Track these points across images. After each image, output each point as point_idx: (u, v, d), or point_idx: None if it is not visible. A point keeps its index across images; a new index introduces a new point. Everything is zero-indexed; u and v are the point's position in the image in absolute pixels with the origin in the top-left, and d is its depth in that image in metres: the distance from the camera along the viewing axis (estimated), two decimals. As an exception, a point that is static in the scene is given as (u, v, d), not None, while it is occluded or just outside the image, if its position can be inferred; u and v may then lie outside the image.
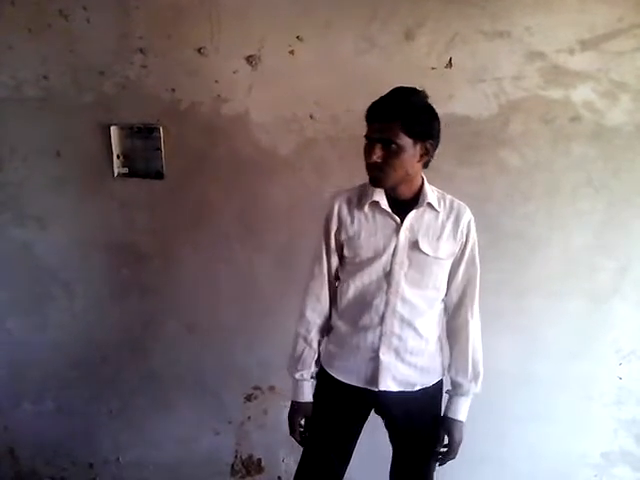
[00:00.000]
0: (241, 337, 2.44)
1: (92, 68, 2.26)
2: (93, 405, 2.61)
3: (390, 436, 1.86)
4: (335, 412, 1.81)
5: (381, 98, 1.57)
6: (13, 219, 2.44)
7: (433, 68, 2.13)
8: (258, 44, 2.17)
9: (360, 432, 1.86)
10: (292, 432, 1.87)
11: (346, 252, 1.72)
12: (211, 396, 2.53)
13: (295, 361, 1.82)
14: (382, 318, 1.69)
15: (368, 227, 1.68)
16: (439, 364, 1.81)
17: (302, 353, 1.81)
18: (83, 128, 2.31)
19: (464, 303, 1.76)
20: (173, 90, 2.24)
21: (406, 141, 1.53)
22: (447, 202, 1.71)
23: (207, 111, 2.25)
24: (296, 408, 1.84)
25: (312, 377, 1.82)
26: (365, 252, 1.68)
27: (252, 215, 2.31)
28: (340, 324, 1.78)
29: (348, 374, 1.77)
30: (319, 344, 1.83)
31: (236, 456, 2.61)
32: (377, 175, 1.59)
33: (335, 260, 1.78)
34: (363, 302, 1.71)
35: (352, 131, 2.16)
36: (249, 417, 2.55)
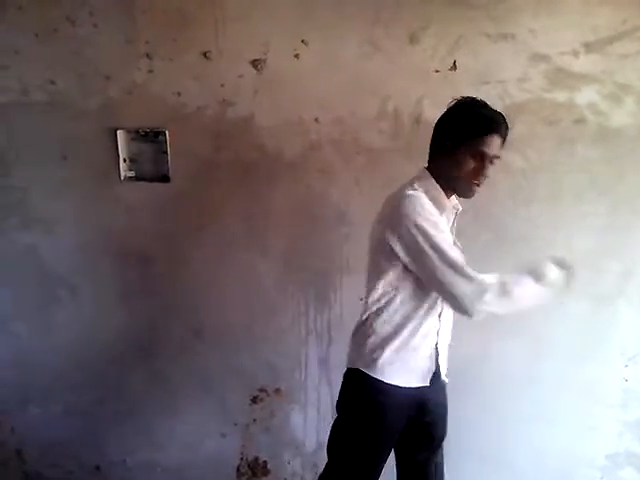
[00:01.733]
0: (247, 340, 2.45)
1: (98, 73, 2.28)
2: (100, 408, 2.62)
3: (432, 429, 1.85)
4: (392, 431, 1.75)
5: (495, 110, 1.66)
6: (20, 223, 2.45)
7: (437, 71, 2.14)
8: (263, 48, 2.18)
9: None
10: None
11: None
12: (217, 398, 2.53)
13: None
14: (440, 314, 1.72)
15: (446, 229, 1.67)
16: None
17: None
18: (89, 132, 2.32)
19: None
20: (179, 94, 2.25)
21: None
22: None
23: (213, 115, 2.26)
24: None
25: None
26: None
27: (257, 218, 2.32)
28: (405, 332, 1.68)
29: (411, 376, 1.70)
30: None
31: (242, 458, 2.61)
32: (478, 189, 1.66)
33: None
34: (430, 306, 1.69)
35: (357, 134, 2.18)
36: (255, 419, 2.55)
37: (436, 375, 1.74)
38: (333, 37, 2.14)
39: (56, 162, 2.37)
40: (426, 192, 1.63)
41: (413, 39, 2.13)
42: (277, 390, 2.50)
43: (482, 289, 1.52)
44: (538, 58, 2.09)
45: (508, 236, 2.21)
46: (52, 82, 2.30)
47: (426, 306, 1.67)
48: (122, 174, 2.33)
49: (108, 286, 2.50)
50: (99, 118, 2.31)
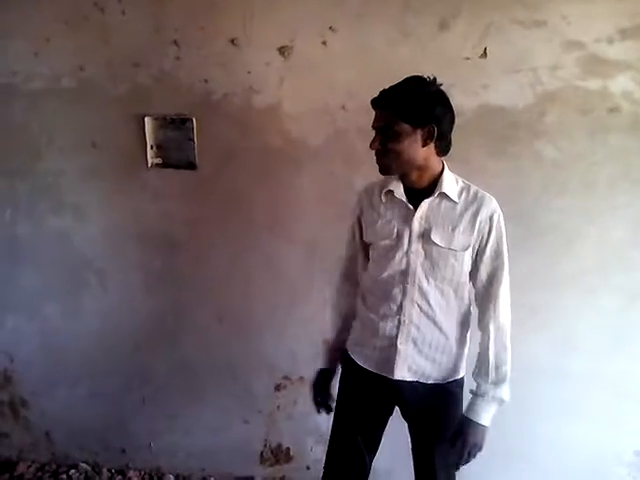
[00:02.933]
0: (271, 327, 2.46)
1: (127, 60, 2.29)
2: (126, 392, 2.66)
3: (408, 428, 1.85)
4: (360, 398, 1.83)
5: (385, 88, 1.61)
6: (51, 208, 2.49)
7: (467, 58, 2.10)
8: (290, 35, 2.17)
9: (387, 420, 1.87)
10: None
11: (365, 237, 1.79)
12: (241, 385, 2.55)
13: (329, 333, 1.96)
14: (400, 307, 1.69)
15: (385, 215, 1.71)
16: (460, 362, 1.77)
17: (331, 322, 1.97)
18: (118, 119, 2.34)
19: (488, 301, 1.70)
20: (206, 81, 2.25)
21: (403, 127, 1.56)
22: (470, 193, 1.67)
23: (239, 102, 2.26)
24: (321, 375, 1.97)
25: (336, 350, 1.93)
26: (380, 238, 1.71)
27: (282, 206, 2.32)
28: (362, 311, 1.82)
29: (366, 360, 1.79)
30: (347, 323, 1.92)
31: (265, 445, 2.63)
32: (381, 162, 1.65)
33: (357, 244, 1.85)
34: (382, 290, 1.72)
35: (384, 122, 2.16)
36: (278, 407, 2.57)
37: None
38: (362, 24, 2.12)
39: (85, 148, 2.39)
40: (385, 179, 1.74)
41: (443, 26, 2.10)
42: (301, 378, 2.50)
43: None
44: (571, 45, 2.05)
45: (539, 228, 2.17)
46: (81, 69, 2.32)
47: (375, 288, 1.76)
48: (149, 161, 2.35)
49: (135, 271, 2.52)
50: (127, 105, 2.32)
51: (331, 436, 1.92)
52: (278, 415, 2.58)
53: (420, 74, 1.60)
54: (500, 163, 2.16)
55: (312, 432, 2.54)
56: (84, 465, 2.73)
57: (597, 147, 2.12)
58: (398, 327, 1.70)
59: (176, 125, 2.30)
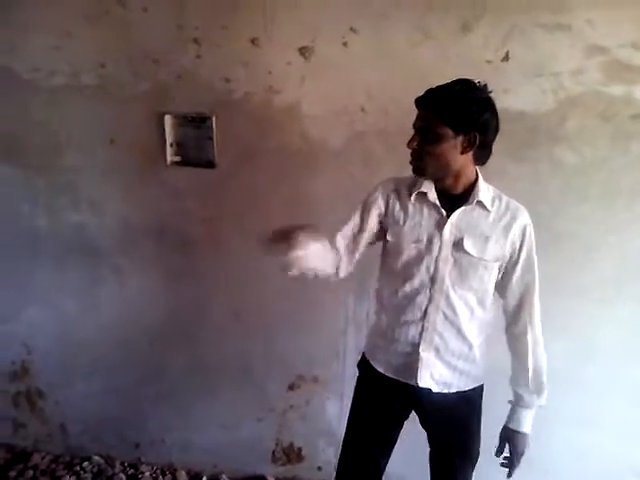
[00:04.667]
0: (286, 327, 2.46)
1: (148, 57, 2.29)
2: (141, 387, 2.68)
3: (428, 434, 1.85)
4: (376, 403, 1.81)
5: (435, 87, 1.57)
6: (69, 202, 2.51)
7: (489, 61, 2.08)
8: (311, 35, 2.16)
9: (401, 427, 1.86)
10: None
11: (389, 237, 1.72)
12: (254, 383, 2.56)
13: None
14: (425, 313, 1.67)
15: (414, 217, 1.67)
16: (480, 370, 1.77)
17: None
18: (138, 116, 2.35)
19: (522, 311, 1.71)
20: (227, 80, 2.25)
21: (445, 130, 1.53)
22: (503, 203, 1.66)
23: (259, 102, 2.25)
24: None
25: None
26: (407, 239, 1.67)
27: (299, 207, 2.31)
28: (383, 316, 1.79)
29: (386, 366, 1.77)
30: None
31: (277, 444, 2.64)
32: (416, 163, 1.61)
33: (366, 232, 1.76)
34: (406, 296, 1.69)
35: (402, 124, 2.14)
36: (291, 406, 2.58)
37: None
38: (383, 25, 2.11)
39: (105, 145, 2.41)
40: (410, 178, 1.70)
41: (465, 28, 2.08)
42: (314, 378, 2.51)
43: None
44: (595, 50, 2.02)
45: (557, 235, 2.15)
46: (102, 65, 2.33)
47: (399, 293, 1.71)
48: (168, 159, 2.36)
49: (151, 267, 2.54)
50: (147, 102, 2.33)
51: (345, 442, 1.90)
52: (291, 414, 2.59)
53: (470, 78, 1.57)
54: (520, 168, 2.14)
55: (324, 433, 2.54)
56: (97, 458, 2.76)
57: (618, 154, 2.10)
58: (421, 334, 1.69)
59: (196, 123, 2.30)
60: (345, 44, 2.15)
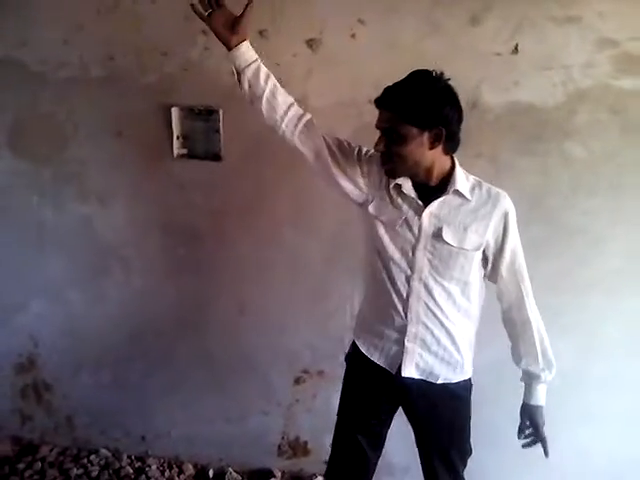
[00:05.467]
0: (292, 321, 2.46)
1: (156, 49, 2.28)
2: (147, 380, 2.68)
3: (412, 426, 1.85)
4: (362, 394, 1.82)
5: (393, 84, 1.56)
6: (76, 195, 2.51)
7: (498, 54, 2.07)
8: (319, 27, 2.15)
9: (391, 417, 1.86)
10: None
11: (372, 209, 1.69)
12: (260, 377, 2.56)
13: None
14: (407, 302, 1.66)
15: (395, 201, 1.66)
16: (467, 362, 1.76)
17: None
18: (145, 108, 2.34)
19: (518, 297, 1.70)
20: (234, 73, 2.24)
21: (409, 130, 1.51)
22: (483, 190, 1.65)
23: (267, 94, 2.24)
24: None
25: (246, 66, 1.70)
26: (389, 216, 1.65)
27: (306, 200, 2.31)
28: (372, 294, 1.79)
29: (374, 351, 1.76)
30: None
31: (283, 437, 2.64)
32: (388, 166, 1.60)
33: (333, 151, 1.72)
34: (389, 277, 1.68)
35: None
36: (297, 400, 2.57)
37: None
38: (391, 17, 2.10)
39: (112, 137, 2.41)
40: None
41: (474, 20, 2.06)
42: (320, 372, 2.51)
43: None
44: (606, 43, 2.01)
45: (566, 229, 2.14)
46: (110, 58, 2.33)
47: (380, 277, 1.70)
48: (175, 151, 2.35)
49: (158, 260, 2.54)
50: (155, 95, 2.32)
51: (334, 434, 1.93)
52: (297, 408, 2.59)
53: (426, 69, 1.55)
54: (529, 162, 2.13)
55: (330, 427, 2.50)
56: (104, 451, 2.77)
57: (628, 147, 2.08)
58: (406, 325, 1.68)
59: (203, 116, 2.30)
60: (353, 36, 2.14)
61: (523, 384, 1.79)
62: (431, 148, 1.55)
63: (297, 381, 2.54)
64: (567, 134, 2.10)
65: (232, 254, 2.46)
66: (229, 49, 1.67)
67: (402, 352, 1.70)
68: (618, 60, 2.02)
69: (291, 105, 1.73)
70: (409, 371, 1.70)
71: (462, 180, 1.62)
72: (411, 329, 1.68)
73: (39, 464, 2.69)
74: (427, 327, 1.68)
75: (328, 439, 2.51)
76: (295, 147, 1.73)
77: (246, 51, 1.68)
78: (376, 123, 1.58)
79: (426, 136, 1.53)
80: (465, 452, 1.82)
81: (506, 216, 1.64)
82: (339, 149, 1.73)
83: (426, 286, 1.64)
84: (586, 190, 2.13)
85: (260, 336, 2.51)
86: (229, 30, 1.66)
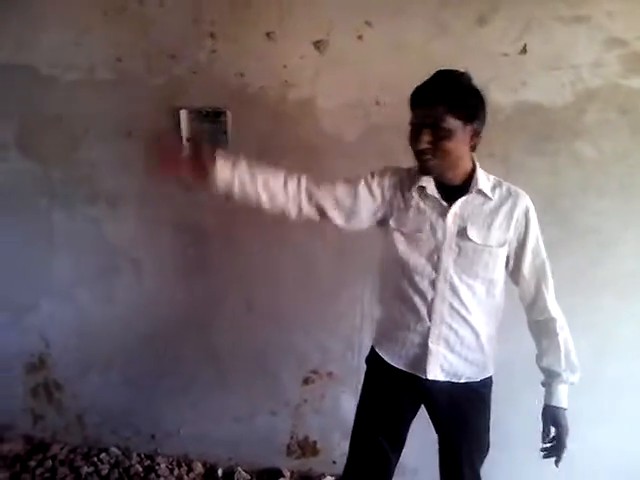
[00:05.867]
0: (301, 321, 2.46)
1: (164, 52, 2.30)
2: (157, 379, 2.70)
3: (434, 426, 1.84)
4: (384, 397, 1.80)
5: (425, 82, 1.56)
6: (86, 196, 2.53)
7: (506, 54, 2.07)
8: (326, 29, 2.15)
9: (412, 418, 1.85)
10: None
11: (393, 224, 1.69)
12: (269, 377, 2.57)
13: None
14: (431, 305, 1.66)
15: (417, 208, 1.66)
16: (489, 360, 1.76)
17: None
18: (153, 111, 2.35)
19: (541, 295, 1.71)
20: (242, 75, 2.26)
21: (455, 124, 1.51)
22: (503, 189, 1.66)
23: (274, 96, 2.25)
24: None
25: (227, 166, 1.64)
26: (411, 228, 1.65)
27: (315, 201, 2.31)
28: (392, 306, 1.77)
29: (396, 357, 1.76)
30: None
31: (292, 437, 2.65)
32: (430, 162, 1.57)
33: (358, 203, 1.69)
34: (412, 285, 1.67)
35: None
36: (306, 400, 2.58)
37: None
38: (398, 18, 2.10)
39: (121, 139, 2.42)
40: (408, 170, 1.70)
41: (482, 21, 2.06)
42: (329, 373, 2.51)
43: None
44: (614, 42, 2.00)
45: (576, 229, 2.13)
46: (119, 60, 2.34)
47: (403, 284, 1.69)
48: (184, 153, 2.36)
49: (167, 260, 2.56)
50: (163, 97, 2.34)
51: (354, 436, 1.90)
52: (305, 408, 2.59)
53: (454, 68, 1.57)
54: (538, 162, 2.12)
55: (339, 427, 2.54)
56: (115, 449, 2.79)
57: (638, 147, 2.07)
58: (429, 327, 1.67)
59: (211, 118, 2.31)
60: (360, 37, 2.14)
61: (544, 388, 1.77)
62: (470, 143, 1.57)
63: (306, 381, 2.55)
64: (577, 134, 2.09)
65: (241, 254, 2.46)
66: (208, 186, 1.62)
67: (426, 355, 1.69)
68: (627, 59, 2.01)
69: (285, 182, 1.70)
70: (434, 374, 1.70)
71: (484, 179, 1.63)
72: (434, 331, 1.67)
73: (50, 462, 2.72)
74: (451, 327, 1.67)
75: (337, 439, 2.53)
76: (312, 215, 1.73)
77: (220, 175, 1.61)
78: (415, 120, 1.57)
79: (468, 130, 1.54)
80: (484, 450, 1.82)
81: (527, 213, 1.65)
82: (343, 190, 1.71)
83: (452, 286, 1.64)
84: (596, 190, 2.12)
85: (269, 336, 2.52)
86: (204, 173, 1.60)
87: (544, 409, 1.76)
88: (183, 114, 2.32)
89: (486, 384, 1.78)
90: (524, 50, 2.05)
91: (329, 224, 1.73)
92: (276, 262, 2.44)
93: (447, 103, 1.50)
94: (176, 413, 2.73)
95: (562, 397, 1.74)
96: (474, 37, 2.07)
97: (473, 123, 1.54)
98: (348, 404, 2.50)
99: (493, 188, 1.65)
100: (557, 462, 1.77)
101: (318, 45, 2.17)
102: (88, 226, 2.56)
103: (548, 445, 1.76)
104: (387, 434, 1.82)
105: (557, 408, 1.73)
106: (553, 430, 1.75)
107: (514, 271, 1.71)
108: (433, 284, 1.65)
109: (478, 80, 2.04)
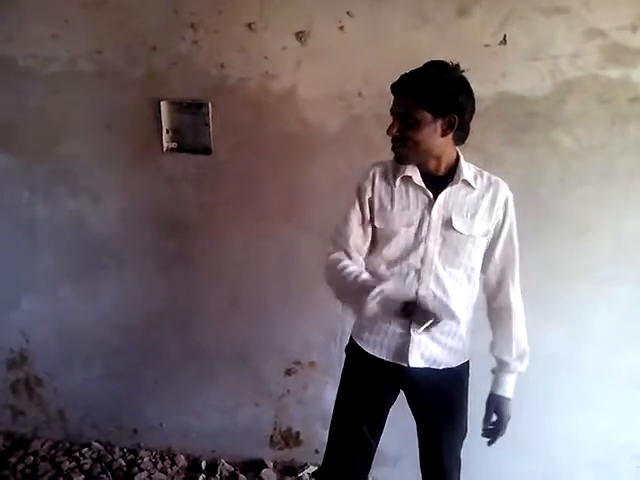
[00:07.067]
0: (283, 312, 2.47)
1: (144, 43, 2.28)
2: (139, 373, 2.69)
3: (414, 412, 1.86)
4: (364, 384, 1.82)
5: (406, 72, 1.58)
6: (67, 191, 2.50)
7: (486, 45, 2.08)
8: (308, 20, 2.15)
9: (391, 404, 1.87)
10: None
11: (377, 223, 1.71)
12: (252, 369, 2.57)
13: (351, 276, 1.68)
14: (415, 295, 1.66)
15: (401, 201, 1.67)
16: (466, 346, 1.79)
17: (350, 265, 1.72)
18: (134, 103, 2.34)
19: (505, 283, 1.74)
20: (222, 66, 2.24)
21: (424, 115, 1.53)
22: (484, 178, 1.68)
23: (255, 87, 2.25)
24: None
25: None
26: (397, 224, 1.67)
27: (297, 192, 2.32)
28: None
29: (377, 348, 1.77)
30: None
31: (275, 428, 2.65)
32: (398, 150, 1.62)
33: (367, 222, 1.73)
34: (397, 278, 1.68)
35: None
36: (288, 390, 2.59)
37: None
38: (379, 9, 2.10)
39: (101, 132, 2.40)
40: (393, 161, 1.69)
41: (463, 12, 2.07)
42: (311, 363, 2.52)
43: (331, 261, 1.74)
44: (593, 33, 2.02)
45: (555, 218, 2.16)
46: (99, 52, 2.32)
47: (387, 276, 1.68)
48: (164, 145, 2.35)
49: (149, 254, 2.54)
50: (143, 89, 2.32)
51: (334, 423, 1.91)
52: (288, 399, 2.60)
53: (442, 59, 1.57)
54: (517, 152, 2.14)
55: (322, 417, 2.54)
56: (97, 444, 2.77)
57: (616, 137, 2.10)
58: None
59: (192, 110, 2.30)
60: (341, 28, 2.14)
61: (493, 375, 1.81)
62: (443, 135, 1.58)
63: (288, 372, 2.55)
64: (556, 124, 2.11)
65: (223, 247, 2.46)
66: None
67: (408, 344, 1.71)
68: (606, 50, 2.03)
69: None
70: (415, 361, 1.72)
71: (467, 169, 1.65)
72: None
73: (31, 458, 2.70)
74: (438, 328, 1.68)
75: (319, 429, 2.54)
76: None
77: None
78: (391, 108, 1.60)
79: (439, 123, 1.55)
80: (463, 433, 1.85)
81: (506, 202, 1.68)
82: (359, 241, 1.76)
83: (436, 276, 1.66)
84: (575, 179, 2.14)
85: (252, 328, 2.52)
86: None
87: (489, 397, 1.81)
88: (164, 105, 2.30)
89: (463, 369, 1.81)
90: (504, 41, 2.07)
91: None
92: (258, 254, 2.44)
93: (415, 95, 1.53)
94: (158, 407, 2.72)
95: (508, 387, 1.79)
96: (455, 28, 2.08)
97: (445, 116, 1.54)
98: (331, 394, 2.48)
99: (475, 178, 1.67)
100: (490, 443, 1.83)
101: (300, 36, 2.16)
102: (69, 220, 2.53)
103: (489, 428, 1.81)
104: (367, 420, 1.84)
105: (502, 397, 1.78)
106: (495, 416, 1.79)
107: (485, 257, 1.74)
108: (418, 275, 1.67)
109: (459, 71, 2.08)
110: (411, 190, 1.67)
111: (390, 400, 1.86)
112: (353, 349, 1.85)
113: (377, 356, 1.77)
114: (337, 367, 2.29)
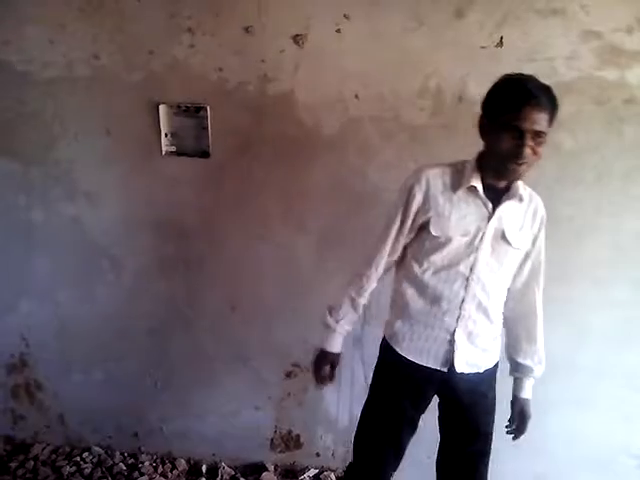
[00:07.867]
0: (282, 315, 2.47)
1: (142, 47, 2.28)
2: (139, 377, 2.69)
3: (444, 418, 1.87)
4: (407, 388, 1.80)
5: (531, 82, 1.53)
6: (64, 194, 2.49)
7: (483, 47, 2.09)
8: (305, 23, 2.15)
9: (419, 419, 1.85)
10: (317, 378, 1.97)
11: (433, 230, 1.66)
12: (252, 372, 2.57)
13: (335, 312, 1.86)
14: (462, 302, 1.68)
15: (460, 210, 1.64)
16: (499, 347, 1.83)
17: (346, 312, 1.84)
18: (132, 107, 2.34)
19: (532, 290, 1.80)
20: (220, 69, 2.25)
21: (548, 129, 1.53)
22: (527, 193, 1.69)
23: (253, 91, 2.25)
24: (323, 356, 1.92)
25: (346, 332, 1.89)
26: (453, 232, 1.64)
27: (295, 195, 2.32)
28: (417, 304, 1.74)
29: (420, 354, 1.75)
30: (363, 308, 1.86)
31: (275, 431, 2.65)
32: (523, 168, 1.56)
33: (406, 234, 1.74)
34: (443, 285, 1.69)
35: (397, 111, 2.15)
36: (289, 393, 2.59)
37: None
38: (376, 12, 2.11)
39: (99, 136, 2.39)
40: (451, 166, 1.69)
41: (459, 14, 2.08)
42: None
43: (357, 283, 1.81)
44: (589, 35, 2.03)
45: (552, 219, 2.15)
46: (96, 57, 2.31)
47: (434, 282, 1.70)
48: (163, 149, 2.35)
49: (148, 258, 2.54)
50: (142, 93, 2.32)
51: (368, 428, 1.88)
52: (288, 402, 2.60)
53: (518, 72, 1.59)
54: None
55: (322, 420, 2.56)
56: (97, 448, 2.77)
57: (612, 138, 2.11)
58: (457, 321, 1.70)
59: (190, 113, 2.30)
60: (339, 31, 2.14)
61: (514, 379, 1.88)
62: None
63: (288, 375, 2.56)
64: (553, 123, 2.11)
65: (222, 250, 2.46)
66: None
67: (453, 350, 1.71)
68: (602, 52, 2.04)
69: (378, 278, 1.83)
70: (461, 367, 1.72)
71: (521, 184, 1.66)
72: (461, 325, 1.70)
73: (32, 463, 2.69)
74: (476, 323, 1.71)
75: (320, 432, 2.55)
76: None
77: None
78: (528, 124, 1.49)
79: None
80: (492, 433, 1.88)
81: (542, 219, 1.74)
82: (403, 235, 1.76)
83: (482, 285, 1.68)
84: (571, 180, 2.15)
85: (251, 331, 2.52)
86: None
87: (514, 400, 1.88)
88: (162, 109, 2.31)
89: (496, 368, 1.85)
90: (500, 43, 2.07)
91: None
92: (257, 258, 2.44)
93: (549, 109, 1.50)
94: (159, 410, 2.72)
95: (530, 390, 1.87)
96: (451, 30, 2.09)
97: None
98: (331, 396, 2.53)
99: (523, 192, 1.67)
100: (515, 438, 1.90)
101: (297, 39, 2.16)
102: (67, 224, 2.53)
103: (512, 428, 1.88)
104: (410, 425, 1.84)
105: (526, 399, 1.85)
106: (519, 417, 1.86)
107: (518, 270, 1.78)
108: (466, 283, 1.67)
109: (456, 73, 2.10)
110: (471, 200, 1.64)
111: (428, 404, 1.86)
112: (389, 352, 1.82)
113: (418, 362, 1.75)
114: (337, 370, 2.30)
